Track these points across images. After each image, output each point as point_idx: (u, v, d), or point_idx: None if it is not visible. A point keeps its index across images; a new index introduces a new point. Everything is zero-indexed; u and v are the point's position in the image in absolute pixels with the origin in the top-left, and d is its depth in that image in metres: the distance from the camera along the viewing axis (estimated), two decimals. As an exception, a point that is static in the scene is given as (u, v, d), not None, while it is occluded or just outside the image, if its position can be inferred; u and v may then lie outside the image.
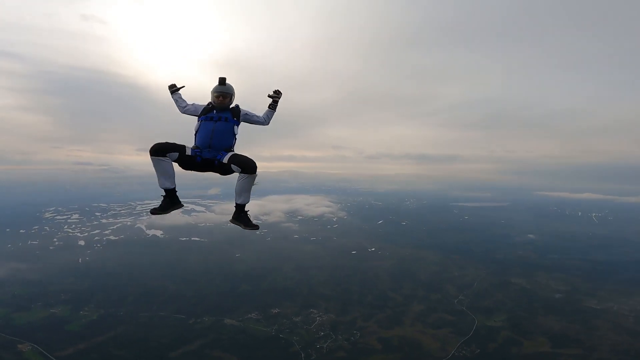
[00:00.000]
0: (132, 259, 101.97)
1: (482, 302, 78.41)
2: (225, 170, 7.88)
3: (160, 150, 7.32)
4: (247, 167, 7.56)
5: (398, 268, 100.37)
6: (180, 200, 8.36)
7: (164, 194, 7.94)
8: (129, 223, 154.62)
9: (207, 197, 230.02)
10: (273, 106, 8.86)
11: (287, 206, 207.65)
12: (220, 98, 8.08)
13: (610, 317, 71.18)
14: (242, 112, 8.39)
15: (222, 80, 8.05)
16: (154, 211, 7.96)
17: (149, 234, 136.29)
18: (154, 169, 7.59)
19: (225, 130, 8.04)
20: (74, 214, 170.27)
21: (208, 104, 8.28)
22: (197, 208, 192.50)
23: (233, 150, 8.12)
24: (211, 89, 8.18)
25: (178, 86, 8.85)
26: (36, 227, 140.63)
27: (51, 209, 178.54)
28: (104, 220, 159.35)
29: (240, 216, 8.32)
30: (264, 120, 8.79)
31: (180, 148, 7.54)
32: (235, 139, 8.25)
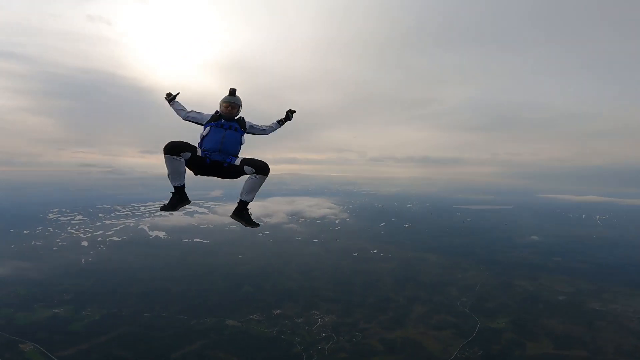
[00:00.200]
0: (135, 260, 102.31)
1: (485, 304, 77.92)
2: (233, 173, 7.99)
3: (174, 149, 7.28)
4: (261, 168, 7.76)
5: (400, 270, 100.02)
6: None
7: (173, 191, 7.99)
8: (132, 224, 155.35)
9: (210, 198, 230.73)
10: (282, 122, 9.17)
11: (289, 208, 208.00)
12: (229, 108, 8.28)
13: (615, 318, 70.54)
14: (247, 124, 8.64)
15: (232, 92, 8.31)
16: (164, 208, 8.07)
17: (151, 235, 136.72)
18: (165, 167, 7.55)
19: (235, 138, 8.25)
20: (78, 215, 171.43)
21: (215, 112, 8.42)
22: (200, 210, 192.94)
23: (239, 157, 8.26)
24: (220, 99, 8.39)
25: (173, 94, 8.95)
26: (40, 227, 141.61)
27: (55, 210, 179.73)
28: (107, 222, 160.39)
29: (242, 213, 8.38)
30: (266, 131, 9.08)
31: (193, 148, 7.55)
32: (241, 148, 8.45)
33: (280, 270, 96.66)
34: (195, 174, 8.09)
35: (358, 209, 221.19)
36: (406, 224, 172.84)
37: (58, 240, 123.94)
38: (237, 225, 9.16)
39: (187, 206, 8.74)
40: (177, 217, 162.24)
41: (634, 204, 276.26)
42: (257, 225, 8.54)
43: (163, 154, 7.29)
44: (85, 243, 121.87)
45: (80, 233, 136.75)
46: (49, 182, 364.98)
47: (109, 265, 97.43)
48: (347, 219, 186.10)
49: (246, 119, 8.66)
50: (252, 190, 8.07)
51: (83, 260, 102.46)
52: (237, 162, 7.90)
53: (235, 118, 8.44)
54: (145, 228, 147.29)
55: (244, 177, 8.08)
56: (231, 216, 8.54)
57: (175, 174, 7.67)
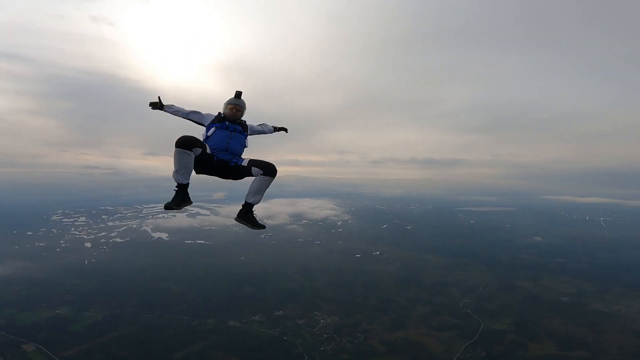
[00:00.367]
0: (138, 261, 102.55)
1: (488, 305, 77.60)
2: (239, 173, 7.95)
3: (187, 143, 7.06)
4: (269, 169, 7.76)
5: (402, 271, 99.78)
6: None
7: (176, 188, 7.63)
8: (134, 226, 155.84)
9: (213, 200, 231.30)
10: (275, 130, 9.80)
11: (292, 209, 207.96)
12: (234, 110, 8.38)
13: (618, 319, 70.15)
14: (249, 127, 8.82)
15: (238, 94, 8.45)
16: (168, 206, 7.72)
17: (154, 237, 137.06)
18: (173, 162, 7.26)
19: (240, 140, 8.34)
20: (81, 216, 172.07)
21: (219, 114, 8.44)
22: (202, 211, 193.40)
23: (245, 158, 8.23)
24: (225, 101, 8.49)
25: (160, 100, 8.54)
26: (43, 229, 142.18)
27: (58, 211, 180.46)
28: (110, 223, 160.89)
29: (247, 216, 8.23)
30: (264, 130, 9.54)
31: (203, 145, 7.43)
32: (244, 150, 8.53)
33: (282, 271, 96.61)
34: (197, 172, 7.92)
35: (360, 211, 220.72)
36: (408, 226, 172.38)
37: (62, 242, 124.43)
38: (239, 226, 9.02)
39: (189, 208, 8.68)
40: (180, 219, 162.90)
41: (639, 206, 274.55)
42: (263, 227, 8.29)
43: (175, 148, 7.06)
44: (88, 244, 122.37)
45: (84, 234, 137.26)
46: (52, 184, 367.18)
47: (111, 266, 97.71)
48: (350, 221, 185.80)
49: (247, 123, 8.76)
50: (258, 192, 7.97)
51: (86, 261, 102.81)
52: (245, 163, 7.88)
53: (238, 121, 8.48)
54: (148, 229, 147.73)
55: (247, 179, 8.01)
56: (236, 219, 8.36)
57: (183, 170, 7.39)
